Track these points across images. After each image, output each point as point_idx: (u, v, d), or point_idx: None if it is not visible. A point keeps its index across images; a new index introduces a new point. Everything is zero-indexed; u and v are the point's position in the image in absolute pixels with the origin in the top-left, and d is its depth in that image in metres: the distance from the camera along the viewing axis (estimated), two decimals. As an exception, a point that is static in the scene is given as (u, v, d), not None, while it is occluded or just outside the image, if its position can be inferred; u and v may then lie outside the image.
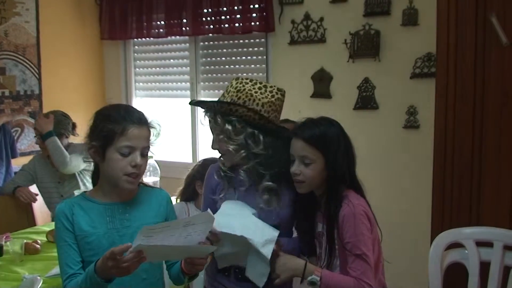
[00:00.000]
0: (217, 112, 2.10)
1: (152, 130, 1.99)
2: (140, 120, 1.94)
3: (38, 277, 2.48)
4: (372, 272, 1.91)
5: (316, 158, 1.97)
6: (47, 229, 3.33)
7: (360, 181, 2.10)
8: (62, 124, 3.93)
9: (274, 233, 2.04)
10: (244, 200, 2.15)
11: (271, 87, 2.13)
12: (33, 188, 3.92)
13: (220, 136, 2.11)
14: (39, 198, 3.90)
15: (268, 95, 2.10)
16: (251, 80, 2.12)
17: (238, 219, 2.06)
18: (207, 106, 2.15)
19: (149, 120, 1.99)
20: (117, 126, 1.88)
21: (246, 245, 2.04)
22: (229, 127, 2.07)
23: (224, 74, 4.90)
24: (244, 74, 4.66)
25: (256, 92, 2.09)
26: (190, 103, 2.29)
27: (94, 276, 1.74)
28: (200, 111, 5.03)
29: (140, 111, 1.99)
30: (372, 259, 1.93)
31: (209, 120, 2.15)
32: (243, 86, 2.10)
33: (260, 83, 2.12)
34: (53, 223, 3.56)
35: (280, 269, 2.01)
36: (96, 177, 2.05)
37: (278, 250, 2.03)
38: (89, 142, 1.95)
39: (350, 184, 2.03)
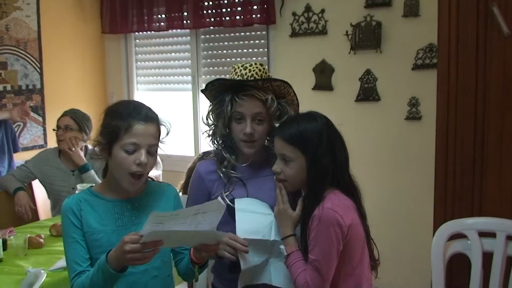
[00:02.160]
0: (270, 91, 2.09)
1: (162, 128, 1.96)
2: (147, 117, 1.89)
3: (42, 271, 2.48)
4: (322, 281, 1.86)
5: (295, 156, 1.92)
6: (50, 223, 3.34)
7: (354, 179, 2.03)
8: (89, 124, 3.85)
9: None
10: (257, 191, 2.12)
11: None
12: (35, 183, 3.91)
13: (263, 120, 2.09)
14: (42, 192, 3.89)
15: None
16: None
17: (260, 221, 2.03)
18: (265, 87, 2.09)
19: (158, 118, 1.96)
20: (122, 123, 1.85)
21: (271, 251, 2.03)
22: (280, 108, 2.11)
23: (225, 67, 4.89)
24: (246, 67, 4.67)
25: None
26: (242, 81, 2.12)
27: (106, 267, 1.71)
28: (202, 104, 5.04)
29: (149, 108, 1.95)
30: (327, 268, 1.86)
31: (257, 102, 2.08)
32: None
33: None
34: (56, 217, 3.59)
35: (275, 213, 2.00)
36: (106, 172, 2.02)
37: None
38: (97, 138, 1.93)
39: (338, 184, 1.95)
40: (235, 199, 2.07)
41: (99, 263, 1.76)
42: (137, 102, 2.01)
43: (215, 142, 2.20)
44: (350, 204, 1.95)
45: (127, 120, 1.86)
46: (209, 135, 2.21)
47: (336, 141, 1.97)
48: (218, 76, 4.81)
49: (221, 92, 2.13)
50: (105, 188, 1.98)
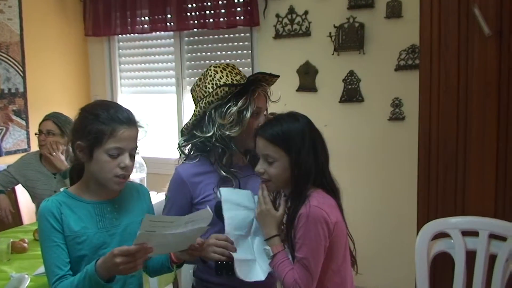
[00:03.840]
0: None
1: (140, 129, 1.96)
2: (130, 121, 1.89)
3: (26, 276, 2.46)
4: (310, 279, 1.88)
5: (279, 156, 1.93)
6: (34, 227, 3.31)
7: (335, 178, 2.05)
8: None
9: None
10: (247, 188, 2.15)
11: None
12: (18, 187, 3.88)
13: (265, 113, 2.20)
14: (25, 197, 3.86)
15: None
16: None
17: (244, 217, 2.07)
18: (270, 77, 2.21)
19: (137, 120, 1.96)
20: (106, 127, 1.84)
21: (253, 250, 2.06)
22: None
23: (209, 69, 4.87)
24: (230, 69, 4.68)
25: None
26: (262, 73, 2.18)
27: (95, 277, 1.71)
28: (186, 106, 5.03)
29: (128, 110, 1.95)
30: (315, 266, 1.88)
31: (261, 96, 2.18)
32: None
33: None
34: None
35: (258, 215, 2.03)
36: (75, 174, 2.01)
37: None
38: (75, 141, 1.90)
39: (320, 183, 1.98)
40: (221, 189, 2.07)
41: (87, 272, 1.74)
42: (115, 104, 2.00)
43: (220, 140, 2.15)
44: (333, 202, 1.97)
45: (110, 125, 1.85)
46: (206, 135, 2.17)
47: (318, 141, 1.99)
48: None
49: (227, 93, 2.11)
50: (83, 190, 1.96)
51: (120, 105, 1.97)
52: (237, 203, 2.07)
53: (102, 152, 1.85)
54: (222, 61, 4.72)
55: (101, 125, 1.84)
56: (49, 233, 1.85)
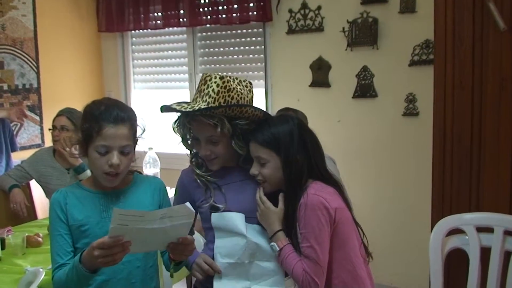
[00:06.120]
0: (225, 116, 2.02)
1: (137, 128, 2.01)
2: (117, 119, 1.91)
3: (41, 269, 2.47)
4: (319, 267, 1.91)
5: (270, 157, 2.01)
6: (48, 222, 3.33)
7: (332, 175, 2.09)
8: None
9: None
10: (235, 196, 2.12)
11: (244, 81, 2.12)
12: (32, 182, 3.90)
13: (219, 140, 2.06)
14: (40, 191, 3.89)
15: (247, 90, 2.10)
16: (230, 77, 2.06)
17: (235, 243, 2.06)
18: (213, 113, 2.01)
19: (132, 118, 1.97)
20: (94, 125, 1.89)
21: (248, 275, 2.06)
22: (237, 129, 2.06)
23: (222, 65, 4.89)
24: (243, 65, 4.70)
25: (242, 90, 2.06)
26: (185, 112, 2.06)
27: (79, 267, 1.76)
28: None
29: (120, 108, 1.96)
30: (322, 253, 1.92)
31: (206, 126, 2.04)
32: (231, 84, 2.03)
33: (236, 78, 2.09)
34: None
35: (259, 216, 2.05)
36: None
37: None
38: (77, 137, 1.99)
39: (317, 177, 2.04)
40: (212, 214, 2.08)
41: (74, 262, 1.80)
42: (110, 101, 2.00)
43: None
44: (333, 190, 2.03)
45: (98, 123, 1.90)
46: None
47: (309, 139, 2.06)
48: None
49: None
50: (92, 181, 2.05)
51: (114, 103, 1.99)
52: (228, 229, 2.07)
53: (93, 149, 1.92)
54: (235, 56, 4.76)
55: (90, 123, 1.91)
56: (55, 222, 1.96)
